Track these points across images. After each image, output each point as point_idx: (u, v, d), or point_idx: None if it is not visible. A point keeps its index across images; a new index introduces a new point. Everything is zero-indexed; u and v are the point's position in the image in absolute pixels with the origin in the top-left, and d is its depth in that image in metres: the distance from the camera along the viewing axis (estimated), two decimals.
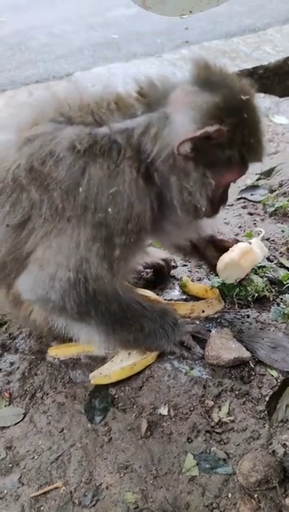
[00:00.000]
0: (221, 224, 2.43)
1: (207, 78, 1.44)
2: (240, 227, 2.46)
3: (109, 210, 1.44)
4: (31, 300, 1.61)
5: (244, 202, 2.75)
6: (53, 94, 1.62)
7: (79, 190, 1.44)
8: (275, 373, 1.66)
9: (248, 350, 1.70)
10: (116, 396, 1.68)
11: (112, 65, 5.21)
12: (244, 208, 2.69)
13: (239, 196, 2.80)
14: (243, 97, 1.41)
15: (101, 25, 6.90)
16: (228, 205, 2.59)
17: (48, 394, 1.75)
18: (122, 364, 1.72)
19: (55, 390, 1.76)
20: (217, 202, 1.60)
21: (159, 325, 1.71)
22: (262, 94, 4.35)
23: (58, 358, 1.86)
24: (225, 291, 1.97)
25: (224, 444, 1.50)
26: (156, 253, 2.12)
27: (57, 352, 1.87)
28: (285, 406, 1.32)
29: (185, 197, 1.51)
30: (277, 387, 1.55)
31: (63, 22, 7.27)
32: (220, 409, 1.58)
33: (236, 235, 2.35)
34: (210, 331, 1.82)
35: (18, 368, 1.87)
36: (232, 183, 1.62)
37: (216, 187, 1.51)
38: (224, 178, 1.53)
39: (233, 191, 2.73)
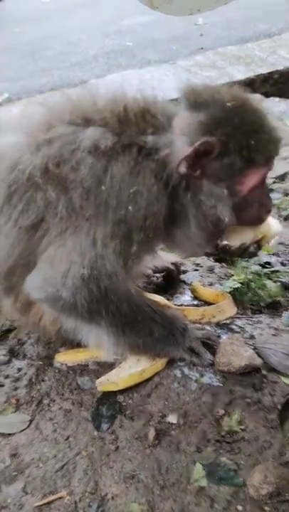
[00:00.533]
0: None
1: (195, 100, 1.51)
2: None
3: (130, 208, 1.45)
4: (41, 299, 1.59)
5: None
6: (66, 97, 1.63)
7: (101, 189, 1.45)
8: (287, 381, 1.60)
9: (259, 356, 1.65)
10: (124, 403, 1.64)
11: (126, 72, 5.21)
12: None
13: None
14: (229, 105, 1.45)
15: (116, 33, 6.94)
16: None
17: (54, 400, 1.71)
18: (130, 370, 1.68)
19: (62, 396, 1.72)
20: (256, 207, 1.60)
21: (169, 330, 1.67)
22: (277, 99, 4.31)
23: (66, 364, 1.83)
24: (237, 296, 1.92)
25: (234, 454, 1.44)
26: (165, 257, 2.09)
27: (65, 358, 1.84)
28: None
29: (206, 211, 1.53)
30: None
31: (78, 31, 7.33)
32: (230, 418, 1.53)
33: None
34: (220, 337, 1.77)
35: (25, 374, 1.84)
36: (262, 185, 1.59)
37: (237, 195, 1.52)
38: (242, 184, 1.52)
39: None
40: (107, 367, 1.75)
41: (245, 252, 1.78)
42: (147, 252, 1.63)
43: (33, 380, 1.80)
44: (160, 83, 4.71)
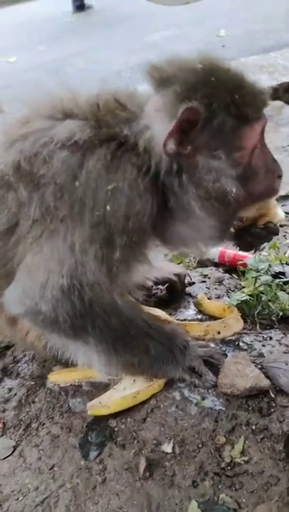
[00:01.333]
0: None
1: (161, 77, 1.37)
2: None
3: (108, 207, 1.30)
4: (20, 314, 1.44)
5: None
6: (46, 94, 1.50)
7: (75, 185, 1.31)
8: None
9: (267, 377, 1.46)
10: (116, 429, 1.47)
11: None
12: None
13: None
14: (200, 66, 1.32)
15: (140, 49, 6.91)
16: None
17: (44, 424, 1.57)
18: (124, 392, 1.52)
19: (51, 420, 1.58)
20: (264, 174, 1.42)
21: (167, 347, 1.51)
22: None
23: (58, 385, 1.68)
24: (245, 309, 1.74)
25: (235, 490, 1.25)
26: (168, 267, 1.93)
27: (57, 378, 1.69)
28: None
29: (210, 187, 1.35)
30: None
31: (103, 48, 7.38)
32: (232, 448, 1.34)
33: (262, 248, 2.11)
34: (226, 355, 1.59)
35: (15, 394, 1.71)
36: (262, 147, 1.42)
37: (240, 163, 1.36)
38: (241, 149, 1.36)
39: None
40: (101, 388, 1.60)
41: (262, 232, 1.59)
42: (135, 259, 1.45)
43: (23, 401, 1.67)
44: None
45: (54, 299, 1.33)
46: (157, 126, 1.33)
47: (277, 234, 1.62)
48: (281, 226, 2.34)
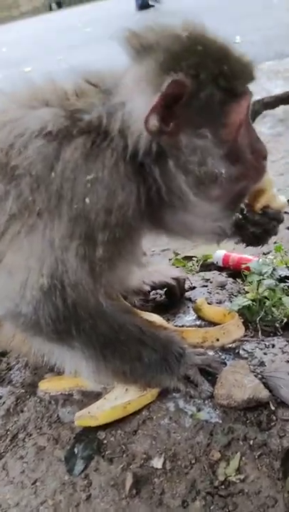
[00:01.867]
0: None
1: (141, 44, 1.24)
2: (275, 242, 2.10)
3: (87, 200, 1.21)
4: (0, 316, 1.37)
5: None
6: (29, 84, 1.43)
7: (52, 176, 1.22)
8: None
9: (268, 388, 1.35)
10: (105, 441, 1.38)
11: None
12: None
13: None
14: (185, 34, 1.20)
15: None
16: None
17: (31, 435, 1.48)
18: (115, 402, 1.43)
19: (39, 430, 1.49)
20: (250, 155, 1.31)
21: (162, 355, 1.41)
22: None
23: (49, 393, 1.59)
24: (247, 315, 1.63)
25: (228, 511, 1.14)
26: (166, 271, 1.84)
27: (48, 386, 1.61)
28: None
29: (197, 171, 1.25)
30: None
31: (117, 56, 7.38)
32: (228, 464, 1.23)
33: (269, 252, 2.01)
34: (225, 364, 1.48)
35: (3, 403, 1.62)
36: (248, 125, 1.32)
37: (225, 141, 1.25)
38: (227, 126, 1.25)
39: None
40: (93, 397, 1.51)
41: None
42: (120, 257, 1.35)
43: (11, 410, 1.59)
44: None
45: (34, 300, 1.24)
46: (137, 99, 1.21)
47: (279, 220, 1.50)
48: (288, 229, 2.23)
